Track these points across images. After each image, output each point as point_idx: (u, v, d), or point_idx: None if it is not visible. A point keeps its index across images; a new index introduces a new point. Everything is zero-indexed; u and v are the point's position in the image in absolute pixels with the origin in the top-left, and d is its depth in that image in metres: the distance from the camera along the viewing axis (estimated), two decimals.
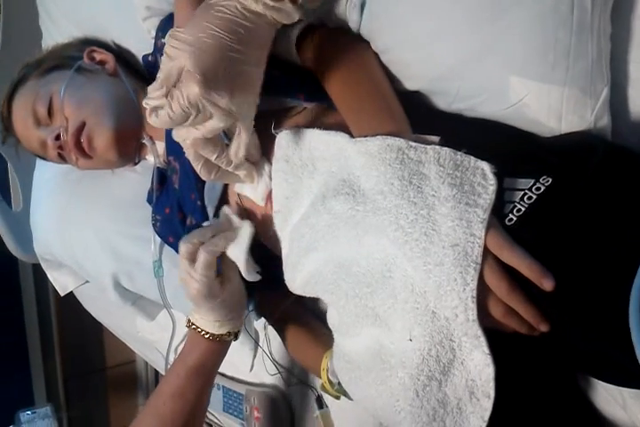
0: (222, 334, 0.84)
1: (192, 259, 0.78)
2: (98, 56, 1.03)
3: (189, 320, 0.85)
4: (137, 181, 1.11)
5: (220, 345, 0.85)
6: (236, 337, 0.87)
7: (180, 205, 0.95)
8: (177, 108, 0.61)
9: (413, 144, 0.66)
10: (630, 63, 0.66)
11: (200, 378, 0.84)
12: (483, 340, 0.60)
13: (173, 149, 0.91)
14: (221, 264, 0.80)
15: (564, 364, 0.71)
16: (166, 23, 0.96)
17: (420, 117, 0.73)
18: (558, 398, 0.71)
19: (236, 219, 0.83)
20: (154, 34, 1.00)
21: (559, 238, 0.60)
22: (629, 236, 0.58)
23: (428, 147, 0.65)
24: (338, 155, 0.72)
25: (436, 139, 0.68)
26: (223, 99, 0.62)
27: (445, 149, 0.65)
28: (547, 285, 0.58)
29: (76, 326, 1.82)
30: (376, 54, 0.75)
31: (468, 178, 0.63)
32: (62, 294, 1.32)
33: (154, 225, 1.03)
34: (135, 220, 1.11)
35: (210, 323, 0.83)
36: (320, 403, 1.05)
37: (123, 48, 1.09)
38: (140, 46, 1.06)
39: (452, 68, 0.69)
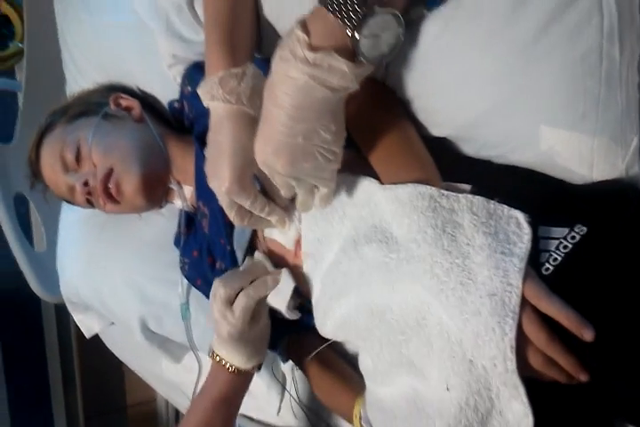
0: (246, 368, 0.85)
1: (229, 302, 0.80)
2: (124, 102, 1.04)
3: (214, 353, 0.87)
4: (163, 224, 1.12)
5: (243, 378, 0.87)
6: (258, 369, 0.89)
7: (209, 250, 0.96)
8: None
9: (445, 192, 0.66)
10: None
11: (226, 409, 0.87)
12: (522, 390, 0.60)
13: (203, 194, 0.92)
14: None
15: (603, 411, 0.70)
16: (193, 71, 0.98)
17: (449, 164, 0.73)
18: None
19: (269, 264, 0.85)
20: (179, 81, 1.02)
21: (597, 288, 0.60)
22: None
23: (460, 195, 0.66)
24: (367, 200, 0.72)
25: (467, 187, 0.69)
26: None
27: (478, 197, 0.65)
28: (587, 335, 0.58)
29: (97, 364, 1.82)
30: (402, 102, 0.76)
31: (503, 227, 0.63)
32: (88, 336, 1.33)
33: (182, 268, 1.04)
34: (162, 263, 1.11)
35: (236, 358, 0.84)
36: None
37: (148, 94, 1.11)
38: (165, 93, 1.08)
39: (481, 116, 0.70)
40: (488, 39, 0.64)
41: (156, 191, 1.00)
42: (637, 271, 0.60)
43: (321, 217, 0.77)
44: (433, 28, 0.67)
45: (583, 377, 0.60)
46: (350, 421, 0.87)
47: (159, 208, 1.10)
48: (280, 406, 1.13)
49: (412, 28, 0.67)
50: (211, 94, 0.72)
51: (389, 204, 0.69)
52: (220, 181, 0.72)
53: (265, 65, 0.87)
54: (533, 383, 0.60)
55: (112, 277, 1.14)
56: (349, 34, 0.59)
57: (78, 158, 0.97)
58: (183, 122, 1.06)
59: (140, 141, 0.99)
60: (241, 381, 0.87)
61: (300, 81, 0.60)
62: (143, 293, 1.12)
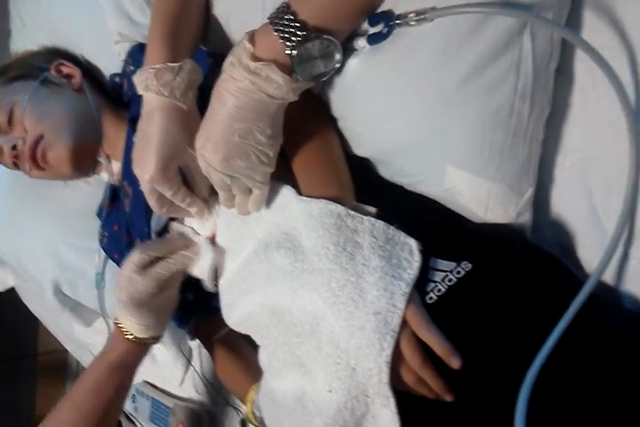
0: (145, 338, 0.86)
1: (141, 268, 0.80)
2: (65, 70, 1.03)
3: (116, 318, 0.87)
4: (89, 192, 1.14)
5: (141, 347, 0.88)
6: (157, 341, 0.90)
7: (128, 228, 0.98)
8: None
9: (352, 213, 0.71)
10: (557, 167, 0.73)
11: (120, 375, 0.87)
12: (392, 400, 0.66)
13: (129, 175, 0.93)
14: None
15: None
16: (136, 51, 0.98)
17: (368, 183, 0.78)
18: None
19: (191, 232, 0.86)
20: (124, 57, 1.01)
21: (471, 322, 0.66)
22: (531, 335, 0.65)
23: (365, 218, 0.70)
24: (283, 207, 0.76)
25: (373, 210, 0.73)
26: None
27: (380, 222, 0.70)
28: (454, 363, 0.65)
29: (10, 310, 1.80)
30: (333, 118, 0.79)
31: (397, 252, 0.69)
32: (1, 289, 1.33)
33: (100, 240, 1.05)
34: (82, 231, 1.13)
35: (135, 326, 0.85)
36: (244, 425, 1.09)
37: (91, 64, 1.10)
38: (109, 65, 1.07)
39: (399, 147, 0.74)
40: (415, 81, 0.68)
41: (83, 163, 1.00)
42: (507, 313, 0.67)
43: (240, 216, 0.81)
44: (368, 59, 0.69)
45: (448, 398, 0.67)
46: (245, 403, 0.92)
47: (86, 177, 1.10)
48: (183, 378, 1.18)
49: (350, 54, 0.70)
50: (145, 84, 0.74)
51: (302, 215, 0.73)
52: (145, 169, 0.74)
53: (208, 58, 0.89)
54: (407, 395, 0.67)
55: (31, 238, 1.15)
56: (287, 52, 0.63)
57: (10, 121, 0.96)
58: (122, 97, 1.06)
59: (76, 112, 0.98)
60: (137, 349, 0.88)
61: (242, 83, 0.64)
62: (60, 257, 1.14)
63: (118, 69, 1.05)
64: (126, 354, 0.87)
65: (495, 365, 0.66)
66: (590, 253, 0.71)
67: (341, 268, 0.69)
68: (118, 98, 1.07)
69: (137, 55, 0.97)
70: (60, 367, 2.02)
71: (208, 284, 0.83)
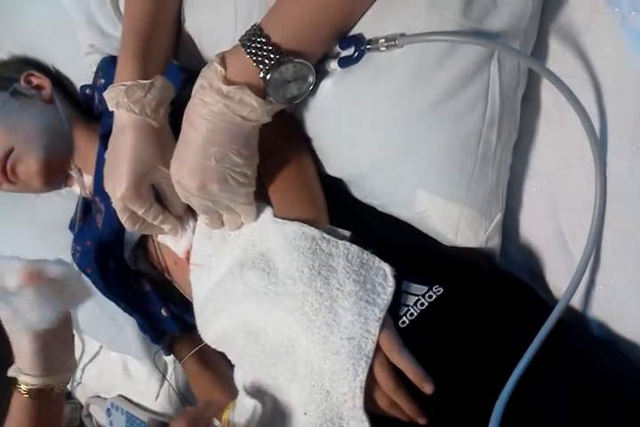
0: (43, 388, 0.76)
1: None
2: (35, 80, 1.02)
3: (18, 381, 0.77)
4: (61, 204, 1.12)
5: (43, 401, 0.77)
6: (61, 390, 0.80)
7: (99, 245, 0.97)
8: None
9: (327, 236, 0.71)
10: (524, 193, 0.73)
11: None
12: (366, 425, 0.66)
13: (101, 191, 0.92)
14: None
15: None
16: (107, 65, 0.97)
17: (341, 203, 0.78)
18: None
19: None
20: (94, 69, 1.00)
21: (443, 346, 0.67)
22: (501, 359, 0.66)
23: (340, 242, 0.71)
24: (259, 226, 0.76)
25: (347, 233, 0.74)
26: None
27: (355, 246, 0.70)
28: (427, 389, 0.65)
29: None
30: (307, 138, 0.79)
31: (371, 277, 0.69)
32: None
33: (73, 255, 1.04)
34: (54, 243, 1.11)
35: (32, 377, 0.76)
36: None
37: (62, 74, 1.08)
38: (80, 77, 1.06)
39: (369, 170, 0.74)
40: (386, 105, 0.68)
41: (54, 176, 0.99)
42: (480, 337, 0.67)
43: (217, 232, 0.80)
44: (340, 81, 0.70)
45: (422, 421, 0.68)
46: (219, 421, 0.92)
47: (58, 190, 1.09)
48: (159, 393, 1.17)
49: (322, 75, 0.70)
50: (116, 101, 0.73)
51: (277, 237, 0.73)
52: (116, 187, 0.74)
53: (181, 72, 0.88)
54: (381, 418, 0.68)
55: (1, 250, 1.13)
56: (261, 76, 0.63)
57: None
58: (93, 109, 1.05)
59: (46, 124, 0.97)
60: (42, 405, 0.77)
61: (214, 107, 0.64)
62: None
63: (89, 80, 1.03)
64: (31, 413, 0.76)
65: (467, 388, 0.67)
66: (558, 278, 0.72)
67: (316, 292, 0.69)
68: (89, 110, 1.05)
69: (107, 68, 0.96)
70: None
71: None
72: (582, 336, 0.69)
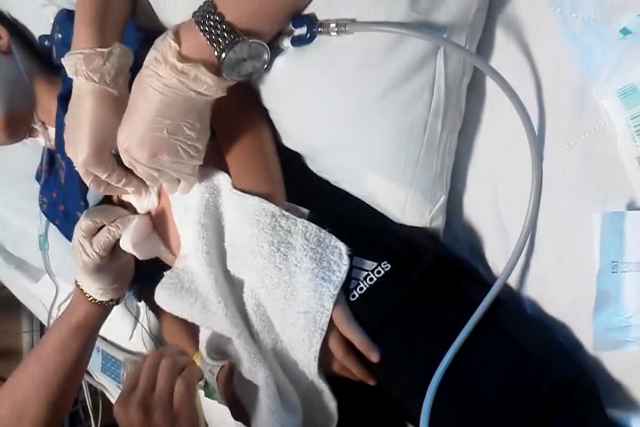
0: (105, 300, 0.91)
1: (90, 234, 0.84)
2: None
3: (77, 280, 0.91)
4: (27, 154, 1.11)
5: (102, 309, 0.92)
6: (117, 302, 0.94)
7: (64, 199, 0.99)
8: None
9: (286, 213, 0.74)
10: (468, 176, 0.76)
11: (82, 335, 0.91)
12: (324, 386, 0.75)
13: (62, 149, 0.92)
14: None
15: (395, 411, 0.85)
16: (63, 20, 0.94)
17: (298, 176, 0.81)
18: None
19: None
20: (52, 21, 0.97)
21: (389, 319, 0.72)
22: (440, 333, 0.71)
23: (299, 220, 0.74)
24: (214, 190, 0.78)
25: (306, 211, 0.77)
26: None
27: (313, 225, 0.74)
28: (373, 357, 0.72)
29: None
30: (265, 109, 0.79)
31: (327, 255, 0.73)
32: None
33: (40, 205, 1.06)
34: (23, 193, 1.14)
35: (94, 289, 0.89)
36: None
37: (20, 24, 1.05)
38: (38, 26, 1.02)
39: (321, 148, 0.76)
40: (336, 87, 0.69)
41: (17, 130, 0.98)
42: (422, 311, 0.72)
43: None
44: (293, 60, 0.70)
45: (371, 382, 0.75)
46: None
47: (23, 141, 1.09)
48: (132, 333, 1.23)
49: (276, 52, 0.70)
50: (75, 68, 0.73)
51: (236, 210, 0.76)
52: (78, 153, 0.75)
53: (137, 32, 0.86)
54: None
55: None
56: (215, 55, 0.63)
57: None
58: (52, 61, 1.02)
59: (5, 77, 0.94)
60: (99, 311, 0.91)
61: (168, 81, 0.64)
62: (2, 218, 1.15)
63: (48, 30, 1.00)
64: (88, 315, 0.91)
65: (408, 359, 0.72)
66: (496, 256, 0.77)
67: (275, 267, 0.73)
68: (49, 62, 1.03)
69: (64, 23, 0.93)
70: (16, 302, 2.02)
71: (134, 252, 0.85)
72: (516, 314, 0.73)
